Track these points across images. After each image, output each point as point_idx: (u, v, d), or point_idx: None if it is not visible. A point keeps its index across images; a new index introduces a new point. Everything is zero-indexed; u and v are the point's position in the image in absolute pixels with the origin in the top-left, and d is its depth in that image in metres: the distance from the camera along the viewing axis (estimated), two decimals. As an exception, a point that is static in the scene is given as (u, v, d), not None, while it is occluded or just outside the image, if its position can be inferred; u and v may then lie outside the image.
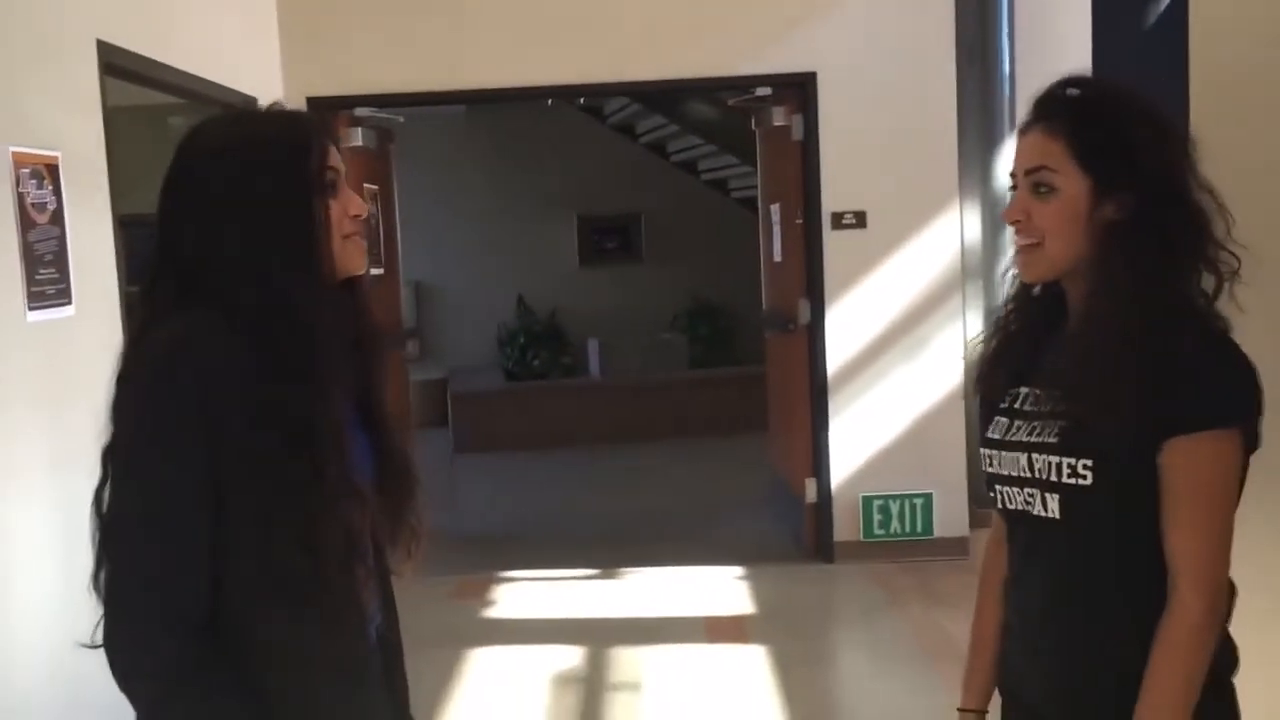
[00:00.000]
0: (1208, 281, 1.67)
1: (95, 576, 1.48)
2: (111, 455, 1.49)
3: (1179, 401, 1.59)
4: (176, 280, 1.53)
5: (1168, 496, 1.61)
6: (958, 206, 6.01)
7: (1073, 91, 1.71)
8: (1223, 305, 1.68)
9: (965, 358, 5.74)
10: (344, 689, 1.56)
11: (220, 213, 1.51)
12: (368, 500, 1.57)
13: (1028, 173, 1.70)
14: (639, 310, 12.08)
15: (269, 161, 1.54)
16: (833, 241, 5.96)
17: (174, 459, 1.44)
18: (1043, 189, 1.68)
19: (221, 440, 1.44)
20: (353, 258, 1.61)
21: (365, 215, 1.63)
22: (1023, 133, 1.73)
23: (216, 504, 1.45)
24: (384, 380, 1.70)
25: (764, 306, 7.24)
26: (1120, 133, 1.66)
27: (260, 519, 1.45)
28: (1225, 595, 1.64)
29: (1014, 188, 1.74)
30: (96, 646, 1.46)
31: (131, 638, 1.44)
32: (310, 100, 5.70)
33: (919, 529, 6.03)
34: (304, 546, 1.46)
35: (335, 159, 1.60)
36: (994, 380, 1.84)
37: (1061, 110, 1.69)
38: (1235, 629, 1.71)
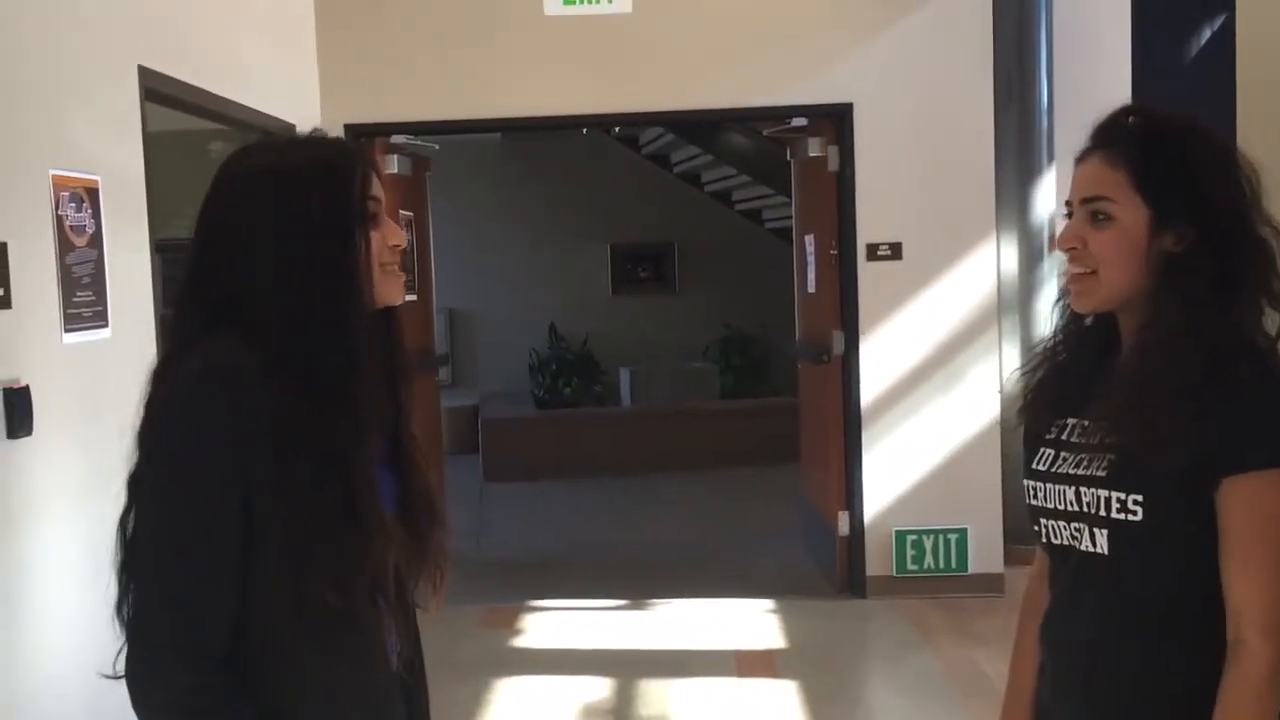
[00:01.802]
0: (1272, 320, 1.62)
1: (119, 605, 1.47)
2: (137, 484, 1.47)
3: (1237, 439, 1.54)
4: (209, 306, 1.51)
5: (1227, 538, 1.56)
6: (994, 239, 5.96)
7: (1135, 120, 1.67)
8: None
9: (1002, 391, 5.68)
10: (366, 718, 1.53)
11: (258, 240, 1.48)
12: (393, 534, 1.54)
13: (1085, 201, 1.66)
14: (671, 339, 12.08)
15: (310, 189, 1.51)
16: (867, 273, 5.93)
17: (201, 489, 1.42)
18: (1100, 217, 1.64)
19: (253, 470, 1.42)
20: (391, 289, 1.59)
21: (404, 245, 1.62)
22: (1081, 160, 1.69)
23: (246, 534, 1.43)
24: (412, 413, 1.67)
25: (797, 337, 7.21)
26: (1183, 163, 1.63)
27: (292, 550, 1.43)
28: None
29: (1069, 215, 1.70)
30: (119, 677, 1.44)
31: (149, 668, 1.42)
32: (347, 127, 5.72)
33: (953, 564, 5.96)
34: (335, 579, 1.43)
35: (377, 189, 1.58)
36: (1040, 411, 1.79)
37: (1123, 138, 1.66)
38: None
